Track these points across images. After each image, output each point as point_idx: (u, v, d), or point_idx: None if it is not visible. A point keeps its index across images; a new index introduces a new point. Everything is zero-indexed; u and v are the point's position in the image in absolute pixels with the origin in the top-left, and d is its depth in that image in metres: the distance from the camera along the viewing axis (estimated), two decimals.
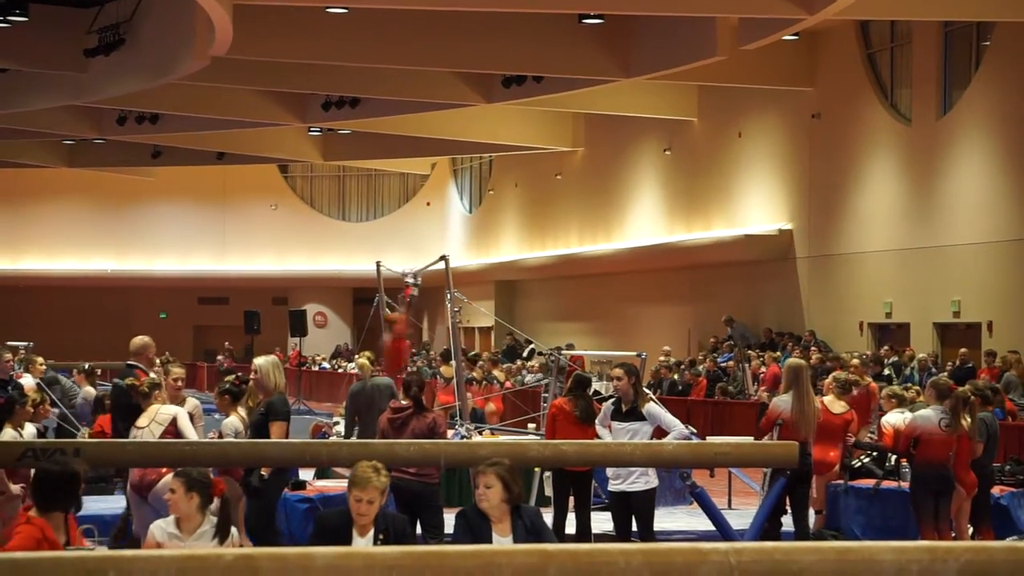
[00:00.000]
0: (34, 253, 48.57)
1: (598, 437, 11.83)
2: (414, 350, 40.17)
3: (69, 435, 15.73)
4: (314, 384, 39.31)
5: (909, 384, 17.52)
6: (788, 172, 29.87)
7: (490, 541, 7.45)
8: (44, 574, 4.41)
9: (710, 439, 16.62)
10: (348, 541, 7.37)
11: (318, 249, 49.35)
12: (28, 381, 16.42)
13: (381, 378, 15.34)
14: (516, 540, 7.47)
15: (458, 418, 16.62)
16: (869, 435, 15.56)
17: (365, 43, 25.12)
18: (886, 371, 22.76)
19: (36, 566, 4.44)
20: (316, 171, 49.83)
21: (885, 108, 27.14)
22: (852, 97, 27.72)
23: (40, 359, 18.26)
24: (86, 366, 19.00)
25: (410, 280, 16.10)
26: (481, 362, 30.69)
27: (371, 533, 7.45)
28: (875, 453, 14.23)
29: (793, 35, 25.27)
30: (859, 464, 14.22)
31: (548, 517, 11.02)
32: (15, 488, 11.47)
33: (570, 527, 12.43)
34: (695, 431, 15.46)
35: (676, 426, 11.46)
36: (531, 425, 19.68)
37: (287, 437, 11.05)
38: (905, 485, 13.21)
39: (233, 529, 7.74)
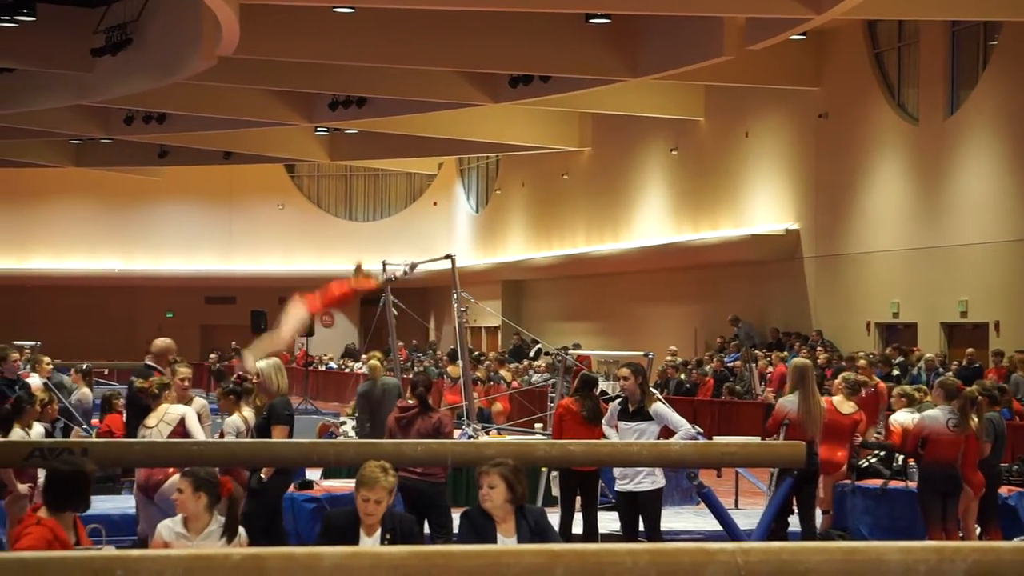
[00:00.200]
0: (41, 253, 48.61)
1: (605, 437, 11.83)
2: (417, 347, 40.23)
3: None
4: (321, 384, 39.31)
5: (921, 385, 17.51)
6: (795, 172, 29.85)
7: (494, 541, 7.45)
8: (52, 573, 4.41)
9: (717, 439, 16.61)
10: (355, 541, 7.37)
11: (325, 249, 49.33)
12: (36, 381, 16.45)
13: (389, 378, 15.33)
14: (520, 540, 7.46)
15: (465, 418, 16.64)
16: (876, 435, 15.55)
17: (372, 43, 25.14)
18: (895, 371, 22.73)
19: (44, 565, 4.45)
20: (323, 171, 49.86)
21: (892, 108, 27.12)
22: (859, 97, 27.69)
23: (47, 359, 18.29)
24: (84, 365, 18.98)
25: (403, 269, 15.93)
26: (488, 362, 30.72)
27: (378, 533, 7.45)
28: (882, 453, 14.22)
29: (800, 35, 25.25)
30: (866, 464, 14.21)
31: (555, 517, 11.03)
32: (22, 488, 11.49)
33: (577, 527, 12.44)
34: (702, 431, 15.45)
35: (683, 426, 11.46)
36: (538, 425, 19.69)
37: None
38: (912, 485, 13.20)
39: (241, 529, 7.74)
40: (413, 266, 16.44)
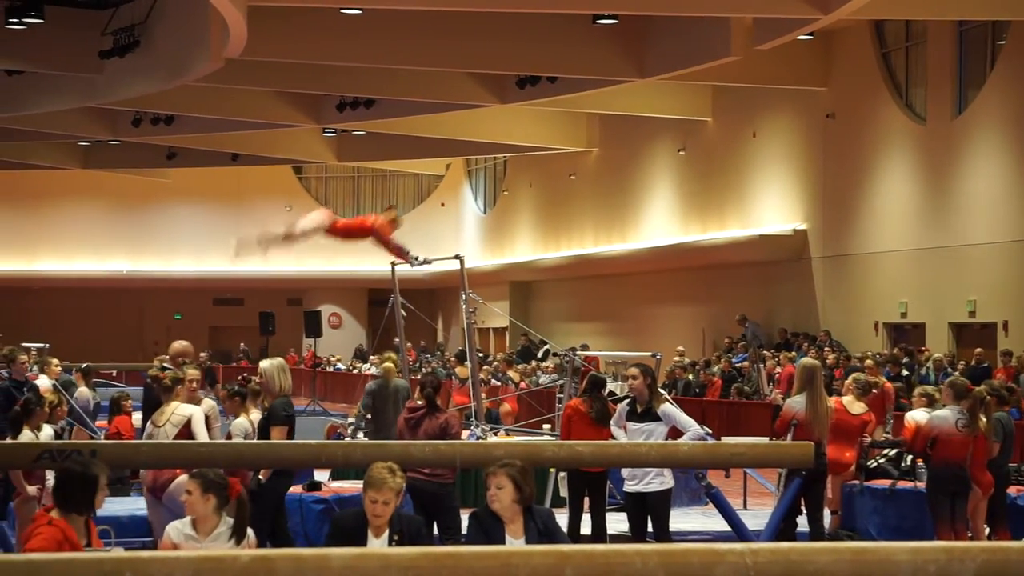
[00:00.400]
0: (49, 254, 48.68)
1: (613, 438, 11.82)
2: (425, 348, 40.23)
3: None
4: (329, 385, 39.33)
5: (941, 386, 17.48)
6: (802, 172, 29.84)
7: (503, 542, 7.45)
8: (60, 575, 4.41)
9: (725, 440, 16.60)
10: (363, 542, 7.37)
11: (333, 250, 49.02)
12: (45, 383, 16.46)
13: (400, 380, 15.31)
14: (528, 541, 7.46)
15: (473, 419, 16.63)
16: (885, 435, 15.53)
17: (379, 44, 25.15)
18: (904, 371, 22.71)
19: (51, 567, 4.45)
20: (331, 172, 49.88)
21: (900, 108, 27.10)
22: (867, 97, 27.67)
23: (55, 361, 18.30)
24: (83, 365, 18.98)
25: (421, 258, 15.76)
26: (496, 362, 30.71)
27: (386, 534, 7.45)
28: (892, 452, 14.21)
29: (808, 35, 25.23)
30: (875, 464, 14.19)
31: (563, 518, 11.03)
32: (31, 489, 11.50)
33: (585, 528, 12.44)
34: (711, 431, 15.43)
35: (691, 426, 11.44)
36: (546, 426, 19.68)
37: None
38: (921, 485, 13.19)
39: (250, 530, 7.74)
40: (427, 260, 16.36)
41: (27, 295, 47.93)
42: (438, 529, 11.51)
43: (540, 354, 33.70)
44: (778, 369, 25.57)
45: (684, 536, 13.34)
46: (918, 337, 26.16)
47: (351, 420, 18.37)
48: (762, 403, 24.41)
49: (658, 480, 11.36)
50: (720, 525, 11.70)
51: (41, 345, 26.29)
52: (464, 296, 16.81)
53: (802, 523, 12.15)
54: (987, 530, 12.54)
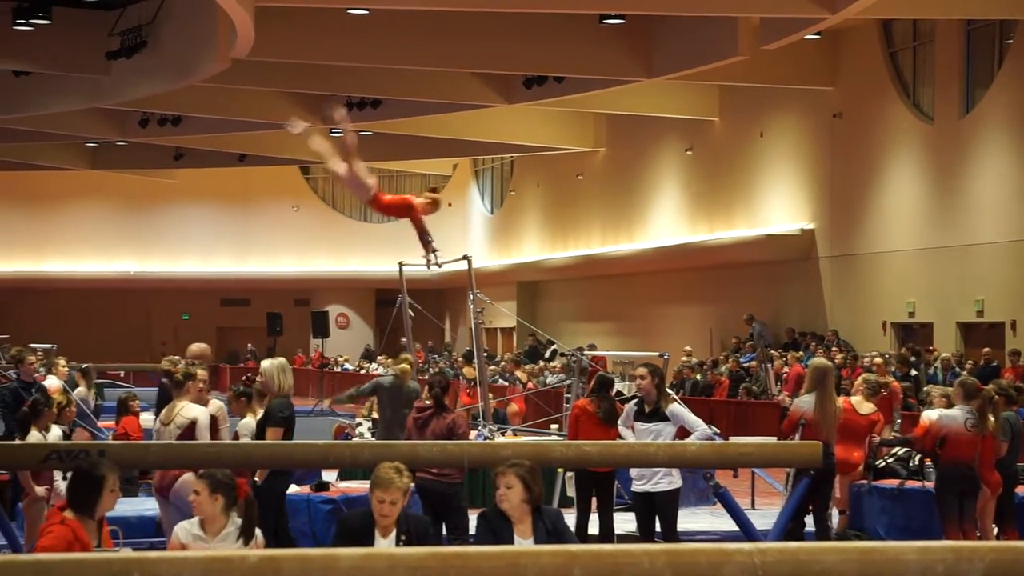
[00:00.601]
0: (57, 255, 48.73)
1: (621, 438, 11.82)
2: (433, 348, 40.23)
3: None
4: (336, 385, 39.31)
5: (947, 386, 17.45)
6: (810, 172, 29.82)
7: (511, 542, 7.45)
8: (69, 575, 4.42)
9: (733, 439, 16.59)
10: (370, 542, 7.37)
11: (340, 250, 49.42)
12: (55, 383, 16.47)
13: (414, 383, 15.29)
14: (537, 541, 7.46)
15: (480, 419, 16.64)
16: (894, 433, 15.52)
17: (386, 44, 25.15)
18: (913, 371, 22.69)
19: (60, 567, 4.45)
20: None
21: (907, 107, 27.07)
22: (874, 96, 27.65)
23: (62, 360, 18.31)
24: (83, 366, 18.98)
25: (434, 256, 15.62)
26: (503, 362, 30.74)
27: (393, 534, 7.44)
28: (900, 452, 14.20)
29: (815, 34, 25.22)
30: (883, 464, 14.18)
31: (570, 518, 11.03)
32: (40, 490, 11.51)
33: (592, 528, 12.44)
34: (718, 431, 15.44)
35: (699, 426, 11.43)
36: (554, 426, 19.68)
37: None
38: (929, 485, 13.18)
39: (258, 531, 7.74)
40: (439, 264, 16.30)
41: (35, 296, 47.98)
42: (446, 529, 11.51)
43: (547, 354, 33.69)
44: (786, 369, 25.55)
45: (692, 536, 13.34)
46: (926, 337, 26.13)
47: (358, 420, 18.40)
48: (770, 403, 24.39)
49: (666, 480, 11.35)
50: (728, 525, 11.70)
51: (49, 346, 26.32)
52: (472, 296, 16.82)
53: (809, 522, 12.14)
54: (995, 530, 12.53)
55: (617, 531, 12.62)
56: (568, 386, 20.28)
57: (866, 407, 13.40)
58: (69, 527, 7.01)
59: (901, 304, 27.07)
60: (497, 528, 7.54)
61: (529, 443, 13.41)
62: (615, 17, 24.40)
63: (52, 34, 25.93)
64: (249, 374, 13.32)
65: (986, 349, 23.50)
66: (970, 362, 23.25)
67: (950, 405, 13.17)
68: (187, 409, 11.05)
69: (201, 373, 12.39)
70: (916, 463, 14.06)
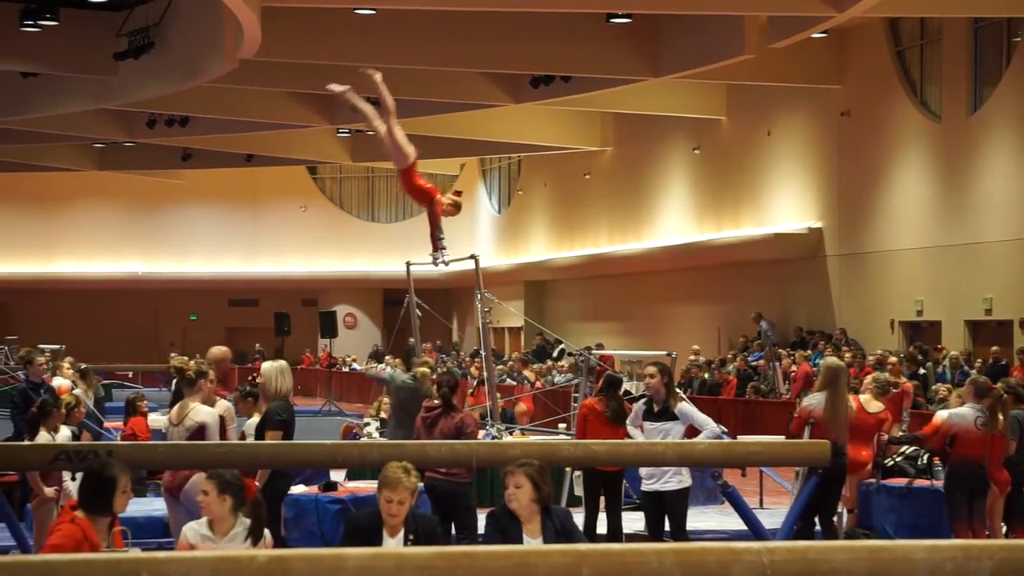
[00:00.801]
0: (65, 256, 48.79)
1: (629, 437, 11.81)
2: (440, 348, 40.23)
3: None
4: (344, 385, 39.37)
5: (952, 386, 17.43)
6: (817, 170, 29.79)
7: (520, 542, 7.45)
8: None
9: (741, 438, 16.59)
10: (378, 542, 7.37)
11: (347, 250, 49.44)
12: (64, 383, 16.48)
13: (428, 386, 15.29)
14: (546, 541, 7.46)
15: (488, 418, 16.64)
16: (901, 431, 15.51)
17: (393, 44, 25.15)
18: (922, 371, 22.67)
19: (69, 568, 4.45)
20: (345, 172, 49.93)
21: (915, 105, 27.04)
22: (882, 95, 27.62)
23: (67, 364, 18.31)
24: (81, 367, 19.00)
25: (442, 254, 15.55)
26: (511, 361, 30.75)
27: (401, 534, 7.44)
28: (908, 451, 14.18)
29: (822, 33, 25.19)
30: (891, 463, 14.17)
31: (578, 517, 11.03)
32: (48, 491, 11.52)
33: (600, 527, 12.44)
34: (726, 430, 15.43)
35: (708, 424, 11.42)
36: (561, 425, 19.68)
37: None
38: (937, 484, 13.17)
39: (266, 531, 7.75)
40: (446, 263, 16.29)
41: (43, 296, 48.04)
42: (455, 529, 11.52)
43: (555, 353, 33.70)
44: (794, 368, 25.54)
45: (700, 535, 13.33)
46: (934, 335, 26.10)
47: (367, 420, 18.40)
48: (778, 402, 24.38)
49: (676, 479, 11.34)
50: (736, 524, 11.70)
51: (57, 347, 26.36)
52: (479, 296, 16.82)
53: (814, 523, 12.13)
54: (1004, 528, 12.52)
55: (625, 530, 12.62)
56: (576, 385, 20.29)
57: (874, 406, 13.39)
58: (79, 526, 7.03)
59: (909, 302, 27.04)
60: (506, 527, 7.54)
61: (537, 442, 13.41)
62: (622, 16, 24.39)
63: (59, 35, 25.95)
64: (256, 374, 13.30)
65: (994, 347, 23.47)
66: (979, 360, 23.21)
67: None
68: (197, 412, 10.97)
69: (210, 374, 12.40)
70: (924, 462, 14.05)
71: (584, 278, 39.45)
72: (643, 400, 11.81)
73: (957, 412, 12.23)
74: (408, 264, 18.54)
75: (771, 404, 24.51)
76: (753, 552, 4.68)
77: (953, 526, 12.03)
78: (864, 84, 28.12)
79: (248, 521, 7.68)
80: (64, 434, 11.89)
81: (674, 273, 34.49)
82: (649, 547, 4.69)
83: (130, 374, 34.74)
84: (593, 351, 20.66)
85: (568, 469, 14.43)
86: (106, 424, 18.32)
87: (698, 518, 14.32)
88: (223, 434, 11.22)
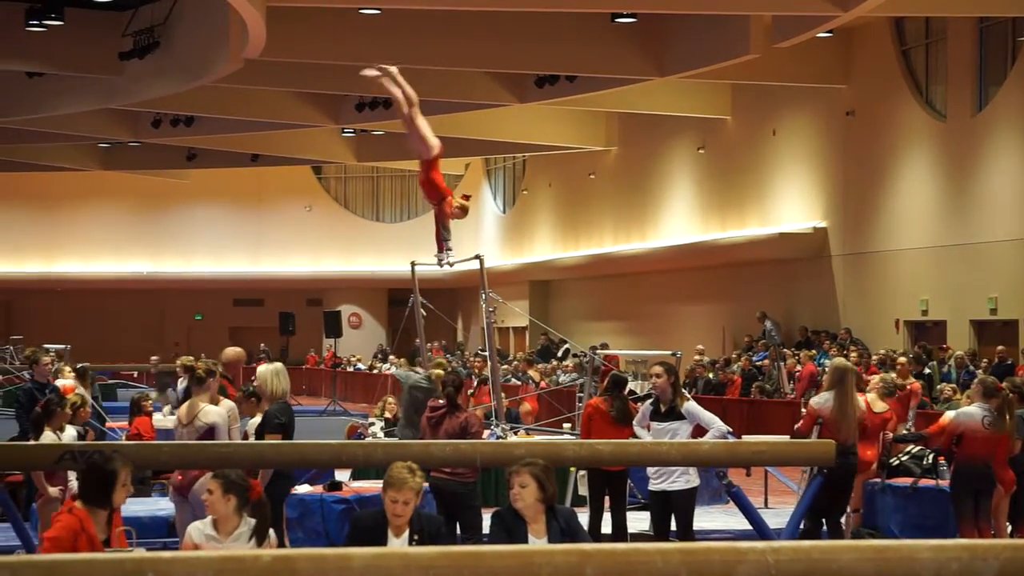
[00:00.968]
0: (70, 256, 48.82)
1: (635, 437, 11.80)
2: (445, 348, 40.22)
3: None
4: (349, 385, 39.37)
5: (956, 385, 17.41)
6: (822, 170, 29.78)
7: (525, 541, 7.45)
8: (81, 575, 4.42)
9: (746, 438, 16.58)
10: (383, 542, 7.37)
11: (352, 250, 49.45)
12: (68, 383, 16.48)
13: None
14: (551, 540, 7.46)
15: (493, 418, 16.63)
16: (906, 430, 15.49)
17: (398, 44, 25.15)
18: (926, 370, 22.65)
19: (73, 567, 4.45)
20: (350, 172, 49.94)
21: (920, 105, 27.03)
22: (887, 94, 27.61)
23: (68, 368, 18.29)
24: (79, 366, 19.00)
25: (447, 254, 15.55)
26: (516, 361, 30.73)
27: (406, 534, 7.44)
28: (914, 450, 14.17)
29: (827, 32, 25.19)
30: (897, 462, 14.17)
31: (583, 517, 11.02)
32: (53, 491, 11.52)
33: (605, 527, 12.43)
34: (731, 430, 15.41)
35: (715, 423, 11.42)
36: (566, 425, 19.67)
37: None
38: (943, 483, 13.16)
39: (271, 531, 7.74)
40: (450, 263, 16.31)
41: (48, 296, 48.08)
42: (460, 528, 11.51)
43: (560, 353, 33.69)
44: (798, 367, 25.52)
45: (705, 535, 13.32)
46: (939, 334, 26.08)
47: (372, 420, 18.39)
48: (783, 401, 24.36)
49: (683, 479, 11.33)
50: (741, 524, 11.68)
51: (62, 347, 26.36)
52: (484, 296, 16.80)
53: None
54: (1009, 528, 12.51)
55: (630, 530, 12.62)
56: (581, 385, 20.28)
57: (880, 406, 13.39)
58: (76, 516, 7.06)
59: (914, 302, 27.02)
60: (511, 527, 7.54)
61: (542, 442, 13.41)
62: (627, 16, 24.40)
63: (64, 35, 25.98)
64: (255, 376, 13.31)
65: (1000, 347, 23.45)
66: (984, 360, 23.19)
67: None
68: (207, 413, 10.95)
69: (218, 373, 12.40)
70: (930, 461, 14.04)
71: (589, 278, 39.45)
72: (650, 400, 11.80)
73: (965, 411, 12.23)
74: (413, 264, 18.52)
75: (776, 404, 24.49)
76: (758, 552, 4.67)
77: (959, 526, 12.02)
78: (869, 84, 28.11)
79: (253, 521, 7.69)
80: (70, 434, 11.90)
81: (679, 273, 34.48)
82: (654, 547, 4.69)
83: (135, 374, 34.74)
84: (598, 351, 20.67)
85: (573, 469, 14.42)
86: (110, 424, 18.31)
87: (703, 518, 14.31)
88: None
